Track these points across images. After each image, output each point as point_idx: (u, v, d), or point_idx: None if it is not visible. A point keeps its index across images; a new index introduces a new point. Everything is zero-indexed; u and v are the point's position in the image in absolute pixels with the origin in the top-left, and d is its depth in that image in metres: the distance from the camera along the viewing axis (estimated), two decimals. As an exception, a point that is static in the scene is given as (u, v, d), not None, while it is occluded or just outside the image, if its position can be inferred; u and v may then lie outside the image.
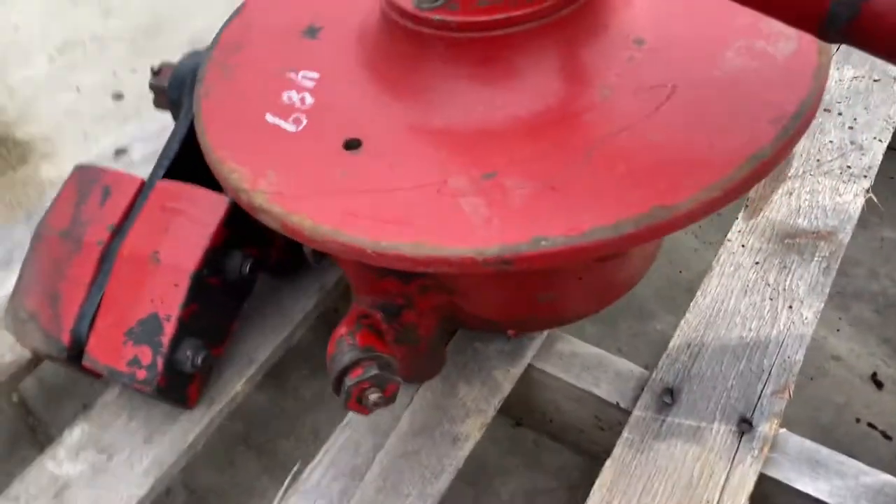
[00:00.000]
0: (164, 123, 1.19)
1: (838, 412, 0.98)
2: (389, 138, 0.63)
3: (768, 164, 0.56)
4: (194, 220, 0.81)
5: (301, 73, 0.70)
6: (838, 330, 1.06)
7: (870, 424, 0.96)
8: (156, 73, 0.96)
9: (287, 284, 0.95)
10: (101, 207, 0.85)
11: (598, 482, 0.76)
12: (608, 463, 0.77)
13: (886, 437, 0.95)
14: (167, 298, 0.79)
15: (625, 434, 0.79)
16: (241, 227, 0.83)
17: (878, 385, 1.00)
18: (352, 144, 0.63)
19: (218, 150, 0.64)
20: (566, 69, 0.63)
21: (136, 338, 0.79)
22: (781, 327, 0.86)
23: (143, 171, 0.93)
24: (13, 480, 0.81)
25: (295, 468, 0.81)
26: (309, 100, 0.68)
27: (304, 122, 0.66)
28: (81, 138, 1.48)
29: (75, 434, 0.84)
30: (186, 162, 0.88)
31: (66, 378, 1.09)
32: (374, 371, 0.64)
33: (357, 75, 0.69)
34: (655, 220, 0.53)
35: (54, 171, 1.42)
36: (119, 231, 0.84)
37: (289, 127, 0.65)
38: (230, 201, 0.81)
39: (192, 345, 0.79)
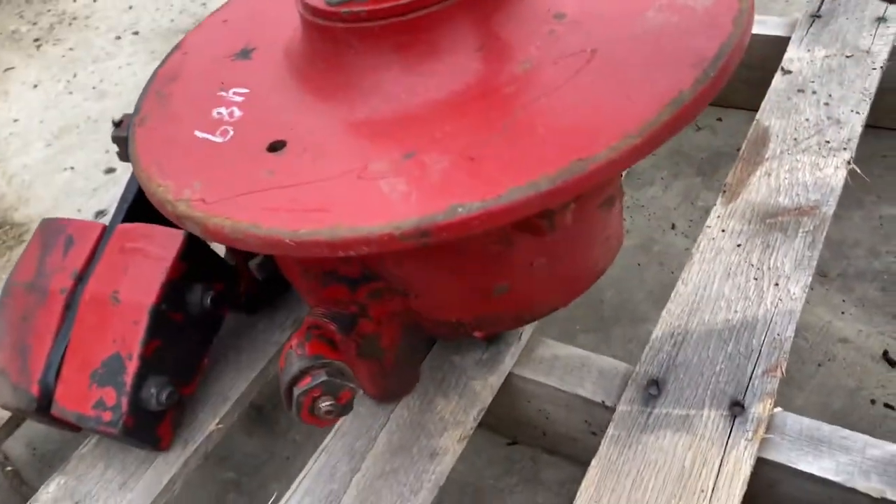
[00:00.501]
0: (142, 182, 1.20)
1: (851, 396, 0.92)
2: (314, 136, 0.62)
3: (690, 108, 0.53)
4: (151, 256, 0.80)
5: (231, 90, 0.71)
6: (843, 313, 1.01)
7: (887, 405, 0.90)
8: (117, 124, 0.98)
9: (262, 319, 0.93)
10: (64, 257, 0.85)
11: (583, 484, 0.72)
12: (593, 462, 0.73)
13: (905, 415, 0.89)
14: (128, 337, 0.77)
15: (609, 431, 0.75)
16: (200, 259, 0.82)
17: (891, 363, 0.94)
18: (276, 147, 0.62)
19: (147, 168, 0.64)
20: (485, 47, 0.62)
21: (100, 379, 0.77)
22: (769, 305, 0.82)
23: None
24: (-12, 541, 0.79)
25: (271, 500, 0.78)
26: (237, 113, 0.68)
27: (231, 132, 0.65)
28: (75, 214, 1.50)
29: (51, 488, 0.82)
30: (147, 204, 0.89)
31: (60, 443, 1.08)
32: (322, 378, 0.62)
33: (284, 84, 0.69)
34: (573, 174, 0.50)
35: (50, 247, 1.44)
36: (82, 278, 0.84)
37: (216, 139, 0.65)
38: (185, 235, 0.80)
39: (157, 382, 0.78)
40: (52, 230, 0.88)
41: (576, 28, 0.63)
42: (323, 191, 0.56)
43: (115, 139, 0.98)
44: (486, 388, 0.82)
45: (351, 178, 0.56)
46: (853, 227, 1.11)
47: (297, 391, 0.62)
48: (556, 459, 0.93)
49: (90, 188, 1.56)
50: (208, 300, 0.81)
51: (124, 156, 0.99)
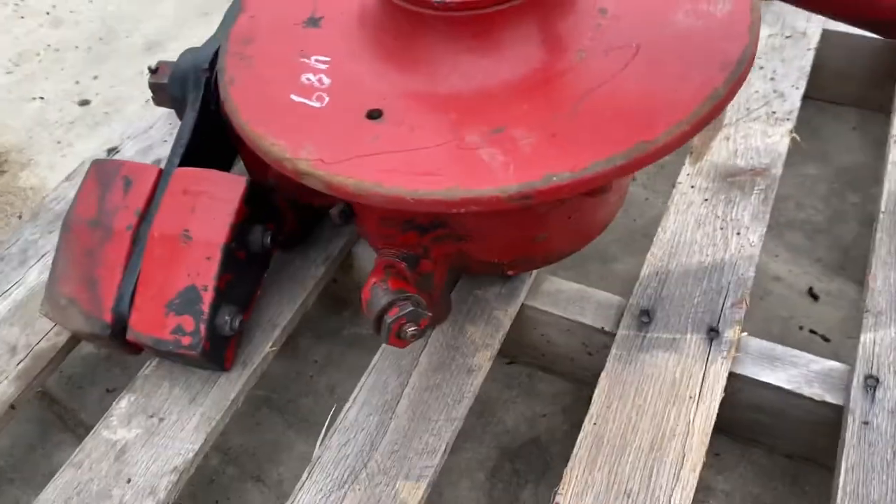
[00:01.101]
0: (151, 121, 1.26)
1: (785, 324, 1.13)
2: (405, 106, 0.73)
3: (723, 102, 0.69)
4: (217, 199, 0.89)
5: (314, 58, 0.80)
6: (776, 255, 1.22)
7: (811, 331, 1.12)
8: (153, 71, 1.04)
9: (297, 256, 1.04)
10: (125, 196, 0.93)
11: (596, 391, 0.89)
12: (603, 374, 0.90)
13: (825, 339, 1.11)
14: (202, 271, 0.87)
15: (613, 350, 0.92)
16: (258, 204, 0.92)
17: (815, 298, 1.16)
18: (374, 115, 0.73)
19: (255, 128, 0.74)
20: (547, 38, 0.75)
21: (177, 309, 0.87)
22: (733, 251, 1.01)
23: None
24: (74, 452, 0.88)
25: (332, 410, 0.91)
26: (326, 80, 0.78)
27: (327, 98, 0.76)
28: (55, 145, 1.52)
29: (123, 404, 0.92)
30: (198, 149, 0.97)
31: (85, 366, 1.16)
32: (409, 308, 0.75)
33: (364, 55, 0.79)
34: (640, 153, 0.65)
35: (34, 179, 1.46)
36: (145, 216, 0.92)
37: (314, 104, 0.75)
38: (247, 181, 0.90)
39: (229, 311, 0.88)
40: (108, 171, 0.95)
41: (618, 23, 0.77)
42: (430, 157, 0.68)
43: (153, 86, 1.05)
44: (506, 316, 0.97)
45: (451, 148, 0.69)
46: (783, 184, 1.31)
47: (388, 319, 0.75)
48: (550, 376, 1.10)
49: (66, 120, 1.57)
50: (268, 239, 0.92)
51: (160, 101, 1.07)
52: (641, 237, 1.27)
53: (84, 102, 1.61)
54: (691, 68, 0.71)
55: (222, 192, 0.90)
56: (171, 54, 1.63)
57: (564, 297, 1.00)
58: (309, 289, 1.01)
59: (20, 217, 1.39)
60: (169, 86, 1.01)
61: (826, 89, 1.40)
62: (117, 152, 1.22)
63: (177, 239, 0.89)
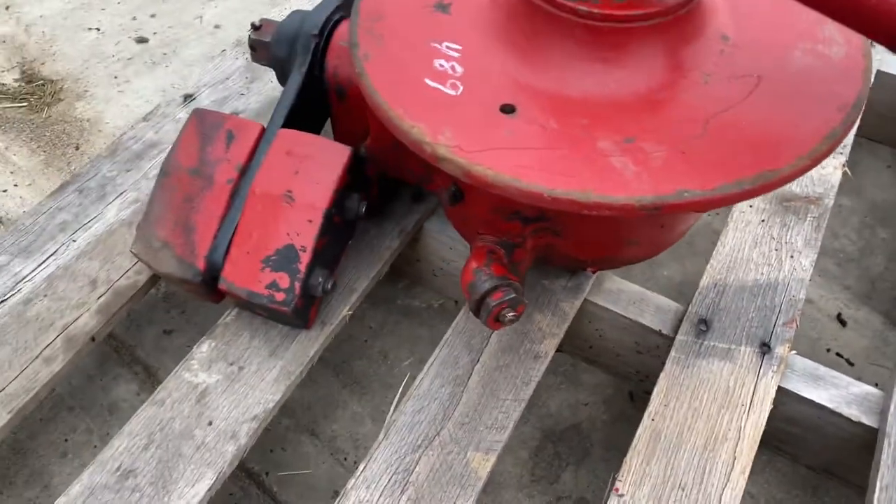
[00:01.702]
0: (227, 72, 1.28)
1: (813, 344, 1.21)
2: (537, 105, 0.77)
3: (838, 141, 0.74)
4: (322, 164, 0.93)
5: (445, 44, 0.83)
6: (810, 279, 1.29)
7: (838, 354, 1.20)
8: (257, 28, 1.06)
9: (372, 227, 1.08)
10: (227, 149, 0.95)
11: (655, 390, 0.95)
12: (662, 375, 0.96)
13: (850, 363, 1.18)
14: (302, 232, 0.91)
15: (672, 353, 0.98)
16: (357, 173, 0.95)
17: (843, 323, 1.24)
18: (507, 109, 0.77)
19: (395, 108, 0.77)
20: (676, 57, 0.79)
21: (273, 265, 0.91)
22: (786, 272, 1.07)
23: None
24: (156, 391, 0.92)
25: (405, 379, 0.95)
26: (458, 68, 0.81)
27: (461, 87, 0.79)
28: (112, 80, 1.52)
29: (204, 349, 0.95)
30: (299, 112, 1.00)
31: (144, 305, 1.18)
32: (511, 294, 0.80)
33: (496, 48, 0.82)
34: (765, 180, 0.70)
35: (90, 112, 1.46)
36: (245, 171, 0.95)
37: (448, 91, 0.79)
38: (351, 150, 0.93)
39: (322, 273, 0.92)
40: (210, 122, 0.97)
41: (739, 51, 0.82)
42: (564, 158, 0.72)
43: (254, 42, 1.07)
44: (572, 308, 1.02)
45: (585, 151, 0.73)
46: (821, 211, 1.38)
47: (491, 302, 0.80)
48: (593, 368, 1.16)
49: (124, 56, 1.57)
50: (362, 208, 0.95)
51: (259, 58, 1.09)
52: (685, 245, 1.33)
53: (142, 40, 1.61)
54: (811, 106, 0.76)
55: (327, 158, 0.93)
56: (230, 2, 1.64)
57: (626, 297, 1.06)
58: (385, 259, 1.05)
59: (77, 148, 1.39)
60: (273, 45, 1.04)
61: (866, 127, 1.47)
62: (193, 99, 1.24)
63: (279, 198, 0.92)
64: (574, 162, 0.72)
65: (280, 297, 0.90)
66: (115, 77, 1.53)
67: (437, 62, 0.82)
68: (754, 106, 0.77)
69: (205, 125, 0.97)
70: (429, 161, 0.75)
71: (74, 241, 1.04)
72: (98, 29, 1.63)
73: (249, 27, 1.07)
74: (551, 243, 0.90)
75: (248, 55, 1.30)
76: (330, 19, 1.01)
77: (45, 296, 0.99)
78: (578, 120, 0.76)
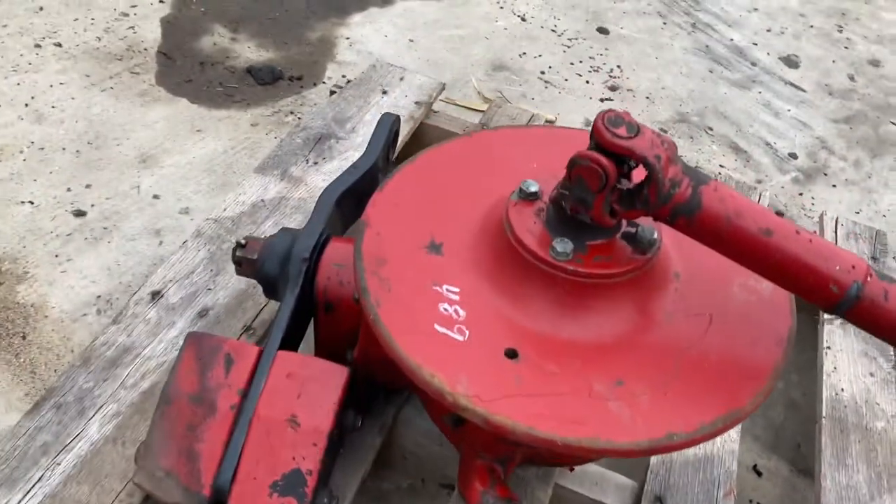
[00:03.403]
0: (191, 266, 1.32)
1: (740, 498, 1.37)
2: (534, 349, 0.89)
3: (780, 374, 0.90)
4: (323, 385, 0.99)
5: (445, 287, 0.94)
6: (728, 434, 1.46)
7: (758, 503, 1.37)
8: (242, 245, 1.12)
9: (354, 426, 1.15)
10: (227, 374, 1.00)
11: (628, 574, 1.06)
12: (631, 557, 1.07)
13: (770, 512, 1.36)
14: (308, 455, 0.96)
15: (635, 532, 1.10)
16: (352, 391, 1.03)
17: (759, 474, 1.41)
18: (511, 354, 0.88)
19: (414, 357, 0.86)
20: (645, 302, 0.94)
21: (281, 490, 0.95)
22: (718, 445, 1.23)
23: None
24: None
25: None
26: (461, 312, 0.91)
27: (467, 332, 0.89)
28: (52, 258, 1.51)
29: (207, 574, 0.97)
30: (294, 333, 1.06)
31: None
32: (517, 517, 0.89)
33: (491, 291, 0.93)
34: (735, 418, 0.84)
35: (34, 296, 1.44)
36: (246, 394, 1.00)
37: (456, 336, 0.89)
38: (349, 371, 1.01)
39: (326, 493, 0.98)
40: (208, 347, 1.02)
41: (690, 288, 0.97)
42: (568, 404, 0.84)
43: (239, 259, 1.13)
44: (546, 495, 1.12)
45: (584, 396, 0.85)
46: None
47: (500, 526, 0.89)
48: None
49: (63, 232, 1.57)
50: (359, 422, 1.03)
51: (244, 273, 1.15)
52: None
53: (79, 213, 1.61)
54: (756, 341, 0.92)
55: (327, 379, 1.00)
56: (166, 170, 1.69)
57: (589, 477, 1.17)
58: (370, 460, 1.12)
59: (24, 338, 1.37)
60: (262, 264, 1.10)
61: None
62: (161, 297, 1.27)
63: (283, 423, 0.97)
64: (577, 408, 0.84)
65: (290, 522, 0.95)
66: (56, 255, 1.52)
67: (441, 306, 0.92)
68: (712, 344, 0.92)
69: (203, 350, 1.02)
70: (450, 409, 0.84)
71: (58, 464, 1.04)
72: (32, 202, 1.62)
73: (234, 243, 1.13)
74: (541, 455, 1.00)
75: (210, 247, 1.35)
76: (318, 241, 1.09)
77: (34, 528, 0.98)
78: (573, 362, 0.88)
